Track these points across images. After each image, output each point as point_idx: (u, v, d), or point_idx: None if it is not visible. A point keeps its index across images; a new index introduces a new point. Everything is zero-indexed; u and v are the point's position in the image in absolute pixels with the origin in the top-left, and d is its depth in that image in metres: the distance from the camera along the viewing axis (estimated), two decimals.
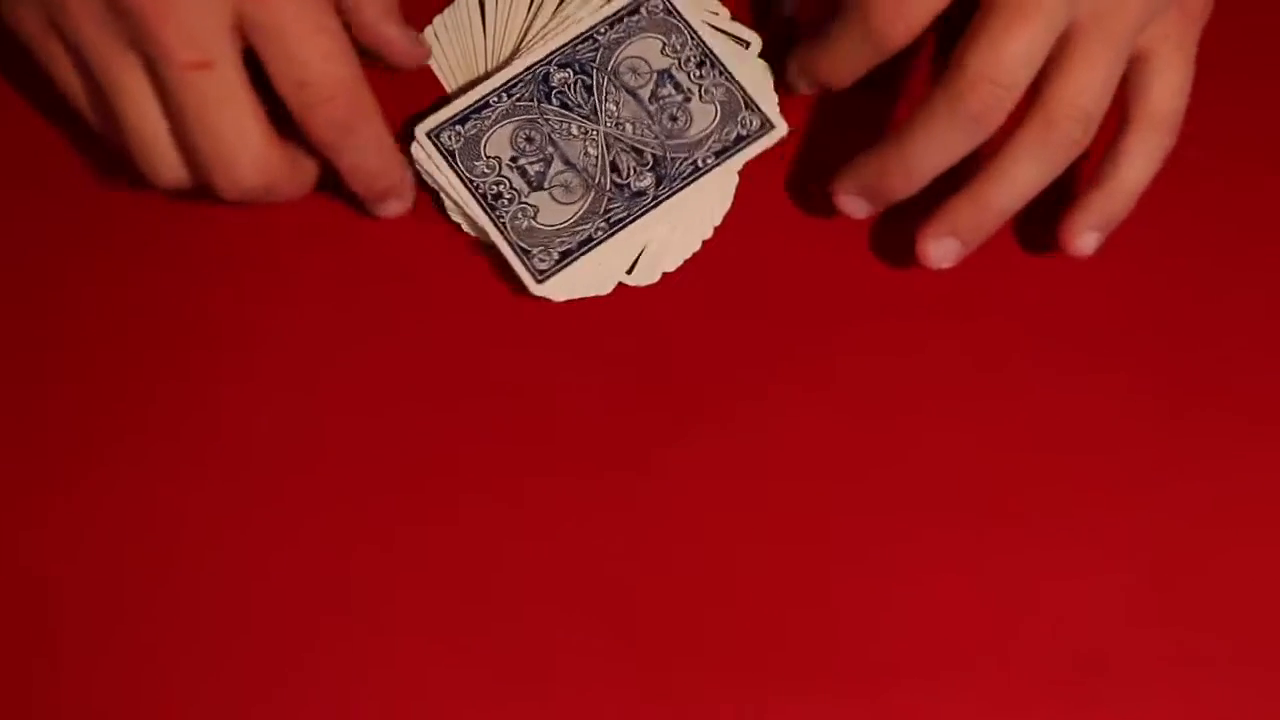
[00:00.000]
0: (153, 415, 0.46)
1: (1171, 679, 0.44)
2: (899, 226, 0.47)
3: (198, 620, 0.44)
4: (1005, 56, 0.41)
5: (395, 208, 0.47)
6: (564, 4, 0.48)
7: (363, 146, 0.44)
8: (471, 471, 0.46)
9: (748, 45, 0.48)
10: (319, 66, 0.41)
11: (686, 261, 0.47)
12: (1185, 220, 0.48)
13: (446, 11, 0.49)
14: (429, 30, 0.48)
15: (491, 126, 0.47)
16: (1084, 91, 0.42)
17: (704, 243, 0.47)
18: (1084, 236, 0.45)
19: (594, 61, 0.47)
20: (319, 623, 0.44)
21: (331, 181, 0.45)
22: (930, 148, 0.43)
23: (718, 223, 0.47)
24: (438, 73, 0.48)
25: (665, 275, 0.47)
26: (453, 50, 0.48)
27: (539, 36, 0.48)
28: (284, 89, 0.42)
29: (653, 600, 0.45)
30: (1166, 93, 0.44)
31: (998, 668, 0.44)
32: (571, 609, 0.45)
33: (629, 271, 0.47)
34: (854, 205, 0.46)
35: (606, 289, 0.46)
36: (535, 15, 0.48)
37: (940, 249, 0.45)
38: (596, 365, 0.46)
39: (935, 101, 0.42)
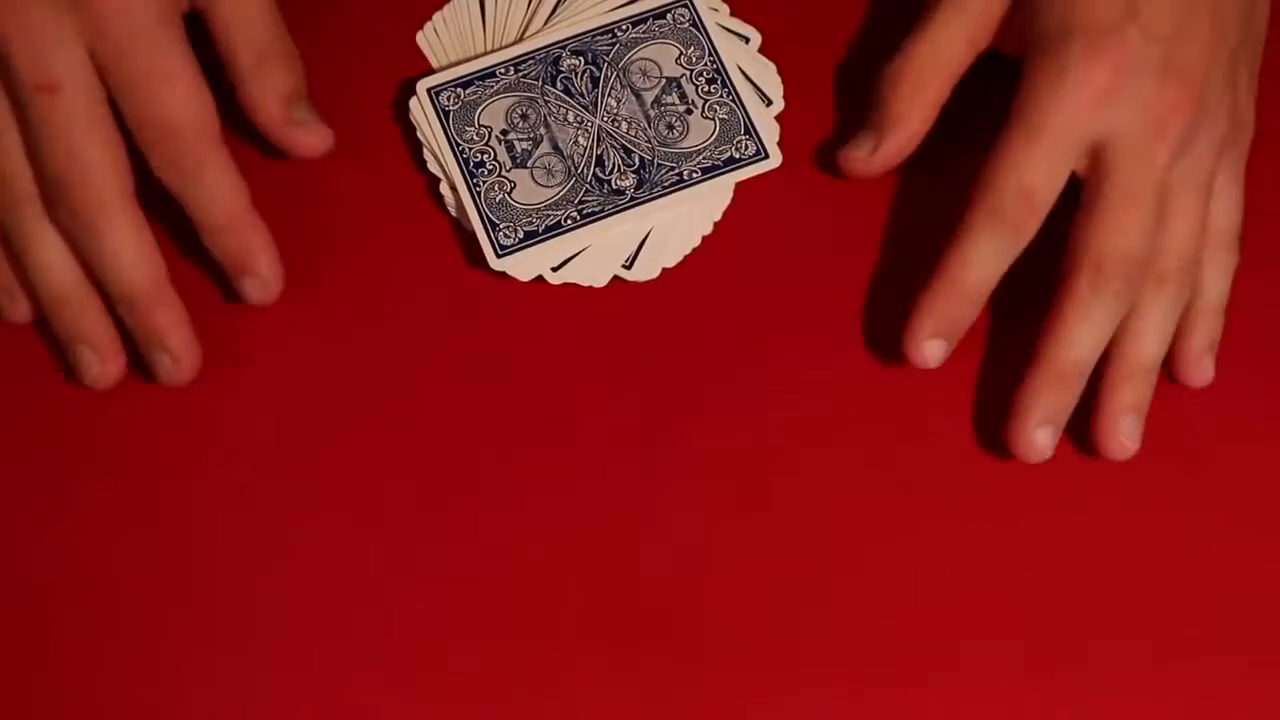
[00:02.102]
0: (149, 419, 0.46)
1: (1160, 673, 0.44)
2: (898, 225, 0.48)
3: (203, 624, 0.44)
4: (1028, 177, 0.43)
5: (252, 288, 0.44)
6: (563, 3, 0.48)
7: (207, 190, 0.43)
8: (471, 469, 0.45)
9: (747, 41, 0.48)
10: (164, 112, 0.42)
11: (687, 257, 0.47)
12: None
13: (446, 8, 0.49)
14: (428, 26, 0.49)
15: (491, 96, 0.47)
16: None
17: (704, 238, 0.47)
18: (1201, 363, 0.46)
19: (607, 55, 0.47)
20: (317, 623, 0.44)
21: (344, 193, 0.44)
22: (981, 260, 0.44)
23: (718, 218, 0.47)
24: (435, 68, 0.48)
25: (665, 270, 0.47)
26: (451, 47, 0.48)
27: (559, 19, 0.48)
28: (128, 122, 0.43)
29: (651, 598, 0.44)
30: (1226, 211, 0.46)
31: (994, 662, 0.44)
32: (568, 607, 0.44)
33: (628, 266, 0.46)
34: (933, 350, 0.44)
35: (595, 281, 0.46)
36: (534, 14, 0.48)
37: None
38: (596, 362, 0.46)
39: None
